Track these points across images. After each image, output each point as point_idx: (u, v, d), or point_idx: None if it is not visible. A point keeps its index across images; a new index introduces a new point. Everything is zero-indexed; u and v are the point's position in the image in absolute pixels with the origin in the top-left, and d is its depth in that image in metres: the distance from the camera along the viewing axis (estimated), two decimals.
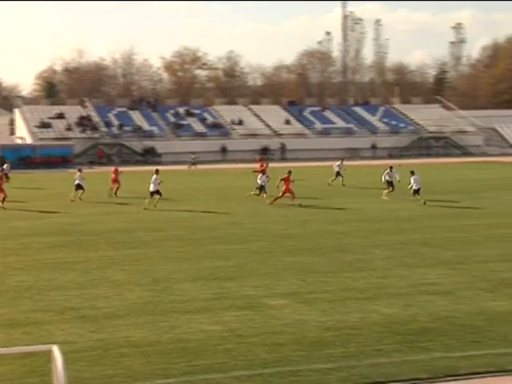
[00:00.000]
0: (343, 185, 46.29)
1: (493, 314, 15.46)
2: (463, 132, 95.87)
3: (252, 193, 39.79)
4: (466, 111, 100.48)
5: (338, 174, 47.87)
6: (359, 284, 18.31)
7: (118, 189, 41.52)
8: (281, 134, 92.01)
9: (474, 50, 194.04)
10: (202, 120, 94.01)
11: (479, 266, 20.46)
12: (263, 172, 40.33)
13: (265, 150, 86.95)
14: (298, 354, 13.03)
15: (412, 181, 37.10)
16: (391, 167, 40.87)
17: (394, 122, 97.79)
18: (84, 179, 39.92)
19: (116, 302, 16.76)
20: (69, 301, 16.88)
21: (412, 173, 37.34)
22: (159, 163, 74.45)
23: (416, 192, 36.82)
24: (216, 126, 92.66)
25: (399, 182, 39.20)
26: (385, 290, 17.72)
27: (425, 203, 35.30)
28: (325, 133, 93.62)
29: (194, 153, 75.89)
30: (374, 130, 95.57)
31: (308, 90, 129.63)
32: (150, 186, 35.99)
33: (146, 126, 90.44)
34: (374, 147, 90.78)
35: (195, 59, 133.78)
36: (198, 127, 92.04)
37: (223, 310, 16.01)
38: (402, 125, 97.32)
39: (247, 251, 23.24)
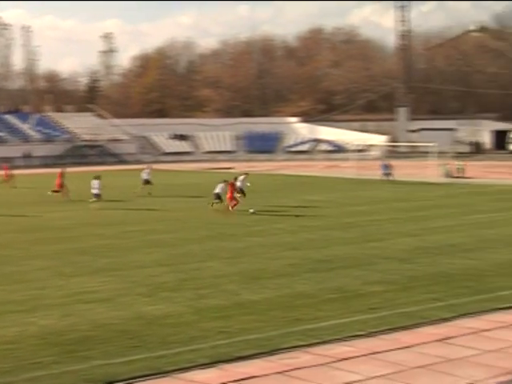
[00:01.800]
0: (149, 193, 44.26)
1: (151, 318, 15.84)
2: (117, 140, 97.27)
3: (91, 201, 38.15)
4: (120, 120, 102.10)
5: (146, 181, 45.37)
6: (15, 296, 17.77)
7: None
8: None
9: (124, 59, 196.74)
10: None
11: (137, 271, 20.87)
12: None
13: None
14: None
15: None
16: (246, 173, 40.54)
17: (47, 131, 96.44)
18: None
19: None
20: None
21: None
22: None
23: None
24: None
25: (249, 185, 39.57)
26: (42, 301, 17.39)
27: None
28: None
29: None
30: (27, 139, 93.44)
31: None
32: None
33: None
34: (27, 156, 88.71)
35: None
36: None
37: None
38: (56, 133, 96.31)
39: None
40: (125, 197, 42.86)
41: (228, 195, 35.85)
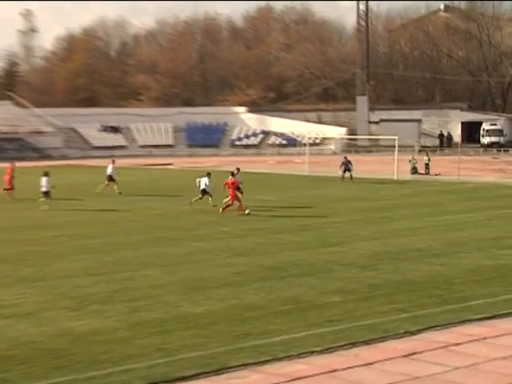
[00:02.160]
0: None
1: (78, 334, 15.69)
2: (40, 132, 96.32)
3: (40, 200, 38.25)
4: (42, 109, 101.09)
5: (110, 178, 45.26)
6: None
7: None
8: None
9: (47, 40, 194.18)
10: None
11: (62, 282, 20.67)
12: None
13: None
14: None
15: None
16: (238, 168, 39.39)
17: None
18: None
19: None
20: None
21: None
22: None
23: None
24: None
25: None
26: None
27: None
28: None
29: None
30: None
31: None
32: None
33: None
34: None
35: None
36: None
37: None
38: None
39: None
40: (51, 196, 42.46)
41: (230, 193, 35.48)
